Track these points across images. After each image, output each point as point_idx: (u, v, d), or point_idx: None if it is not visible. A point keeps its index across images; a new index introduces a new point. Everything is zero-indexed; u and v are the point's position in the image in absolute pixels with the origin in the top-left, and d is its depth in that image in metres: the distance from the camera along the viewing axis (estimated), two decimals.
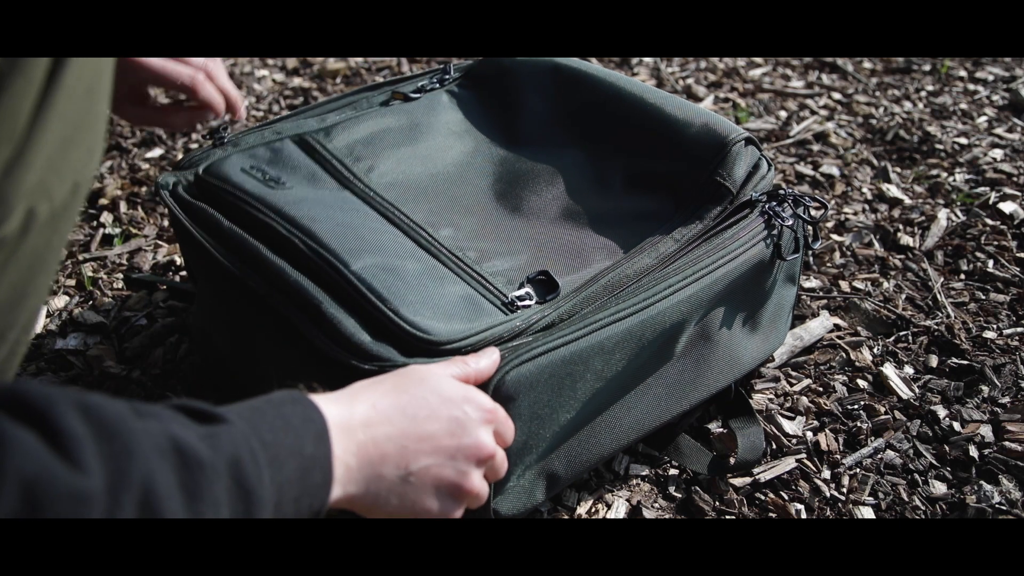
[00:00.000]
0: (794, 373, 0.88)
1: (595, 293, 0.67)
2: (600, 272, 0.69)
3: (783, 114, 1.38)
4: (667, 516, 0.74)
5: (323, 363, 0.61)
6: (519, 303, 0.65)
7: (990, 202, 1.13)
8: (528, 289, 0.66)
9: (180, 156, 1.20)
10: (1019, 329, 0.93)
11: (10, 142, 0.36)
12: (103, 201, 1.14)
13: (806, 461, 0.79)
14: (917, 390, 0.86)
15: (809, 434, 0.81)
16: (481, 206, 0.77)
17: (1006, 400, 0.84)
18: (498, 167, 0.81)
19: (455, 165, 0.81)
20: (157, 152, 1.26)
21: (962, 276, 1.02)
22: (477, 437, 0.50)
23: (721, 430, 0.81)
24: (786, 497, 0.75)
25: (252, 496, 0.38)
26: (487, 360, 0.58)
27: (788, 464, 0.78)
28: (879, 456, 0.79)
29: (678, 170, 0.76)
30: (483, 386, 0.58)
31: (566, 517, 0.74)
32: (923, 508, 0.75)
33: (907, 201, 1.15)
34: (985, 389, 0.86)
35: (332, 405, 0.45)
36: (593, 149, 0.82)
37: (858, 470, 0.78)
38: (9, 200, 0.37)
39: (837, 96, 1.43)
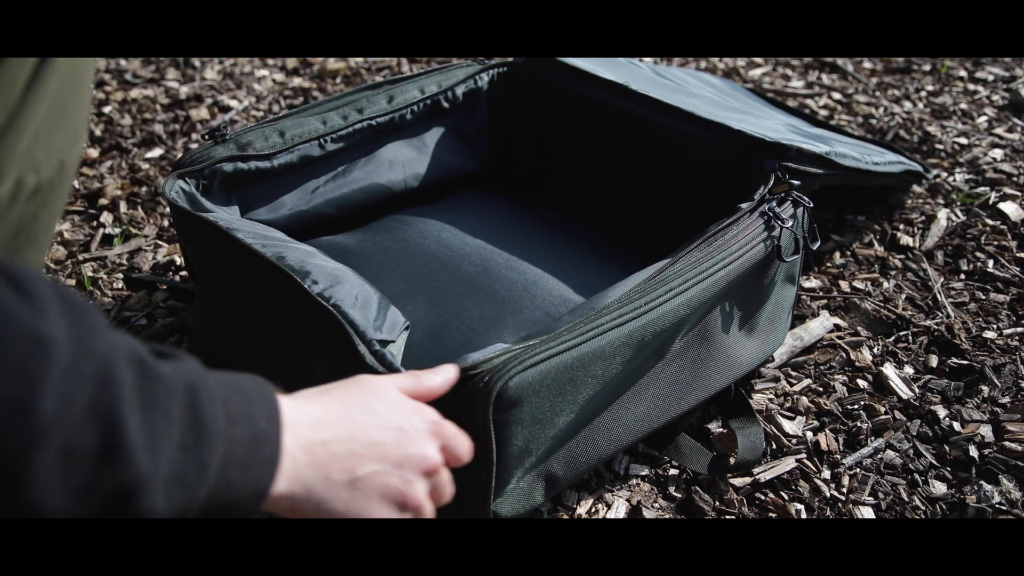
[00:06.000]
0: (794, 373, 0.88)
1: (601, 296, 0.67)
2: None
3: None
4: (667, 516, 0.74)
5: (340, 359, 0.62)
6: None
7: (990, 202, 1.13)
8: None
9: (180, 155, 1.20)
10: (1019, 329, 0.93)
11: (4, 109, 0.39)
12: (103, 201, 1.14)
13: (806, 461, 0.79)
14: (917, 390, 0.86)
15: (809, 434, 0.81)
16: None
17: (1006, 400, 0.84)
18: None
19: None
20: (157, 152, 1.26)
21: (962, 276, 1.02)
22: (423, 448, 0.50)
23: (721, 430, 0.81)
24: (786, 497, 0.75)
25: (204, 428, 0.37)
26: (441, 377, 0.57)
27: (788, 464, 0.78)
28: (879, 456, 0.79)
29: None
30: (485, 391, 0.58)
31: (566, 517, 0.74)
32: (923, 508, 0.75)
33: (907, 201, 1.15)
34: (985, 389, 0.85)
35: (284, 402, 0.45)
36: None
37: (858, 470, 0.78)
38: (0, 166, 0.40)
39: (837, 96, 1.43)
